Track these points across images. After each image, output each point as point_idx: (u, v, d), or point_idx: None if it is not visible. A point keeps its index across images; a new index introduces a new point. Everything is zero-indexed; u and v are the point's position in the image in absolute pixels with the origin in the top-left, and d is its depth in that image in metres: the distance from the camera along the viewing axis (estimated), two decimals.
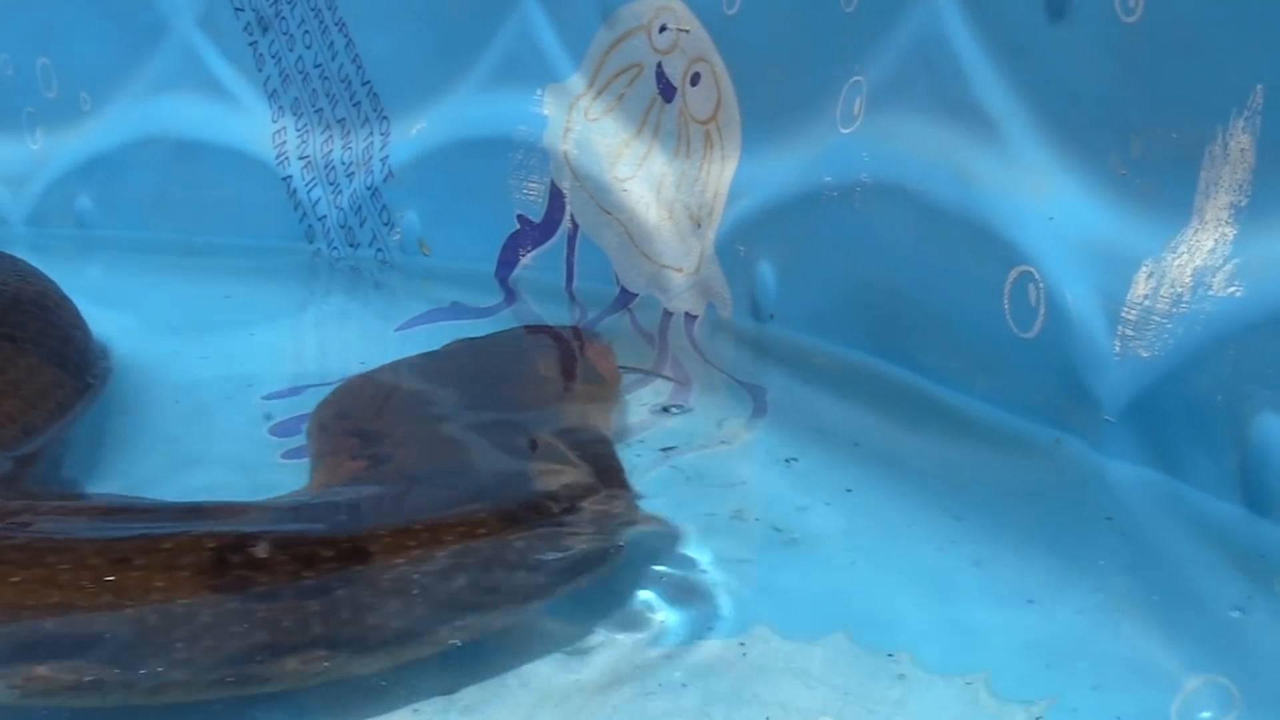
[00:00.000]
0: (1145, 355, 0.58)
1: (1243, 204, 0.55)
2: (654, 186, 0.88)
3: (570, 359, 0.78)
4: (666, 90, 0.87)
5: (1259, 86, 0.54)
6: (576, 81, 0.93)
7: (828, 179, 0.75)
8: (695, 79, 0.85)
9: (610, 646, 0.50)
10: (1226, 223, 0.56)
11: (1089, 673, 0.48)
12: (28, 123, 1.26)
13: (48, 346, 0.74)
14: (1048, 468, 0.62)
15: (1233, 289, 0.55)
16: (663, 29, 0.87)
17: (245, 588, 0.48)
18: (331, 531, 0.51)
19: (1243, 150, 0.55)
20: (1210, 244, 0.56)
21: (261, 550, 0.49)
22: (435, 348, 0.78)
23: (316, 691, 0.49)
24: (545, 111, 0.94)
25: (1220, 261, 0.56)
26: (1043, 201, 0.63)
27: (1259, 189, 0.55)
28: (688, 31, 0.85)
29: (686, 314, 0.85)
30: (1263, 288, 0.54)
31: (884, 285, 0.72)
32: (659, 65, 0.88)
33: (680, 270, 0.86)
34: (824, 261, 0.76)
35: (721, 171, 0.84)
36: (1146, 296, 0.58)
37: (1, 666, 0.48)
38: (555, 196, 0.94)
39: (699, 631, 0.51)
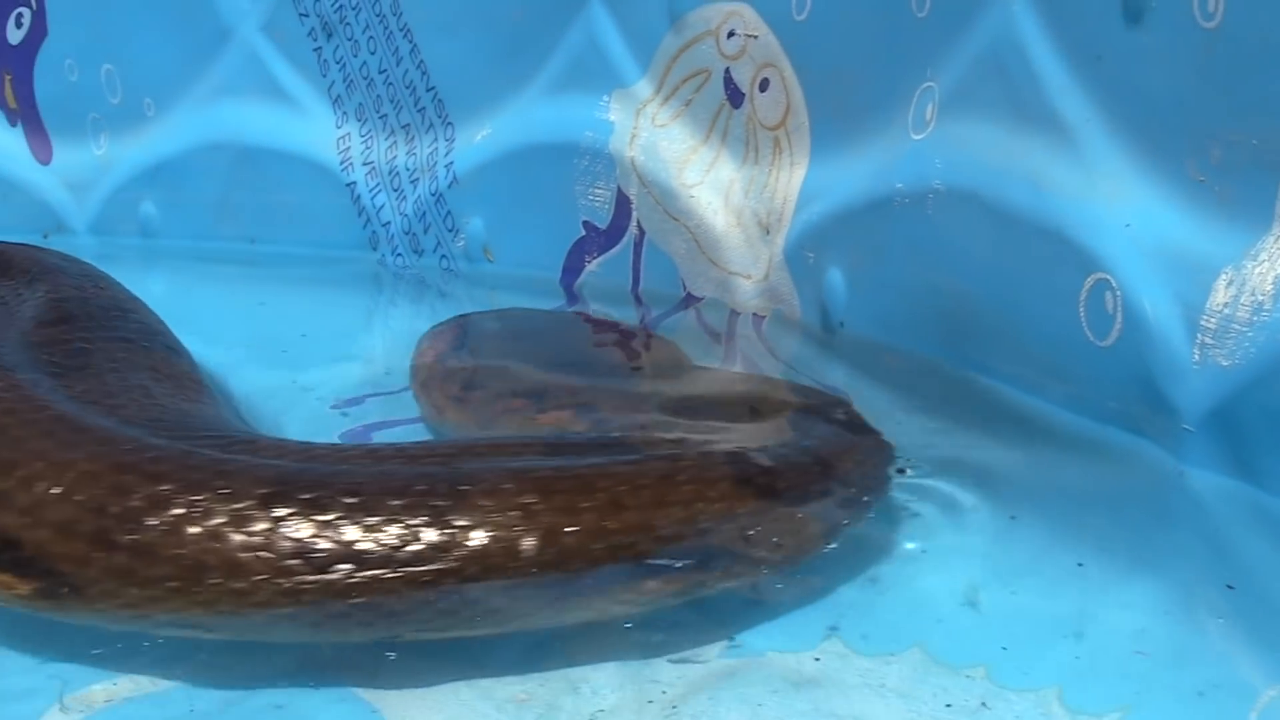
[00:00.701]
0: (1225, 364, 0.57)
1: None
2: (722, 192, 0.88)
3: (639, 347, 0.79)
4: (734, 96, 0.87)
5: None
6: (643, 87, 0.93)
7: (899, 185, 0.75)
8: (764, 85, 0.85)
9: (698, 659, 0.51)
10: None
11: (1174, 682, 0.48)
12: (92, 129, 1.27)
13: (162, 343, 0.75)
14: (1126, 474, 0.62)
15: None
16: (731, 34, 0.87)
17: (771, 496, 0.53)
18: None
19: None
20: None
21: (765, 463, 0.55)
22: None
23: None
24: (611, 117, 0.95)
25: None
26: (1120, 208, 0.63)
27: None
28: (756, 37, 0.85)
29: (754, 316, 0.85)
30: None
31: (957, 291, 0.71)
32: (727, 71, 0.88)
33: (748, 277, 0.86)
34: (895, 267, 0.76)
35: (790, 177, 0.84)
36: (1226, 304, 0.58)
37: (621, 587, 0.51)
38: (621, 203, 0.94)
39: (776, 642, 0.51)
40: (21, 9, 1.28)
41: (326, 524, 0.50)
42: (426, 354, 0.89)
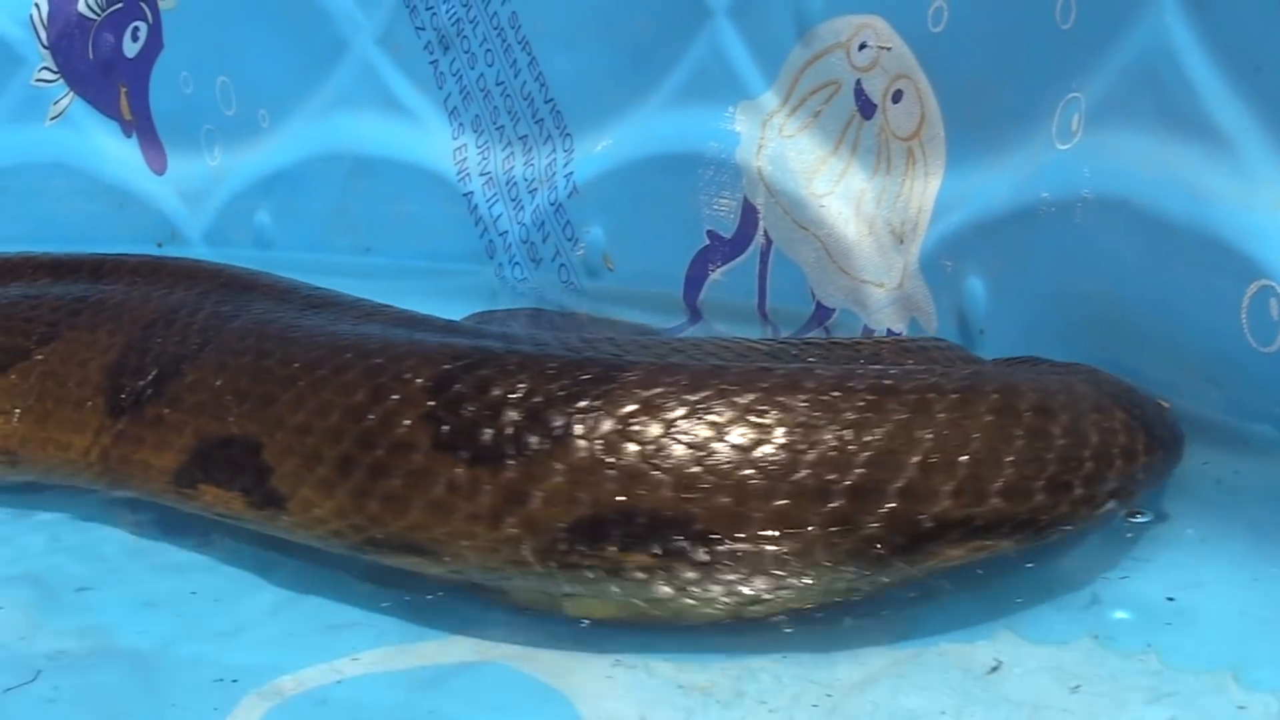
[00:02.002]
0: None
1: None
2: (853, 202, 0.88)
3: None
4: (866, 107, 0.88)
5: None
6: (770, 98, 0.94)
7: (1045, 194, 0.75)
8: (897, 96, 0.85)
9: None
10: None
11: None
12: (206, 140, 1.29)
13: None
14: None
15: None
16: (863, 46, 0.87)
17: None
18: None
19: None
20: None
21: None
22: None
23: None
24: (737, 128, 0.95)
25: None
26: None
27: None
28: (889, 49, 0.85)
29: (889, 330, 0.85)
30: None
31: (1106, 299, 0.71)
32: (858, 83, 0.88)
33: (881, 286, 0.86)
34: (1040, 275, 0.75)
35: (925, 187, 0.84)
36: None
37: None
38: (748, 212, 0.94)
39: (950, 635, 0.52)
40: (138, 23, 1.30)
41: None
42: None
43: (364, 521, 0.54)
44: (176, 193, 1.31)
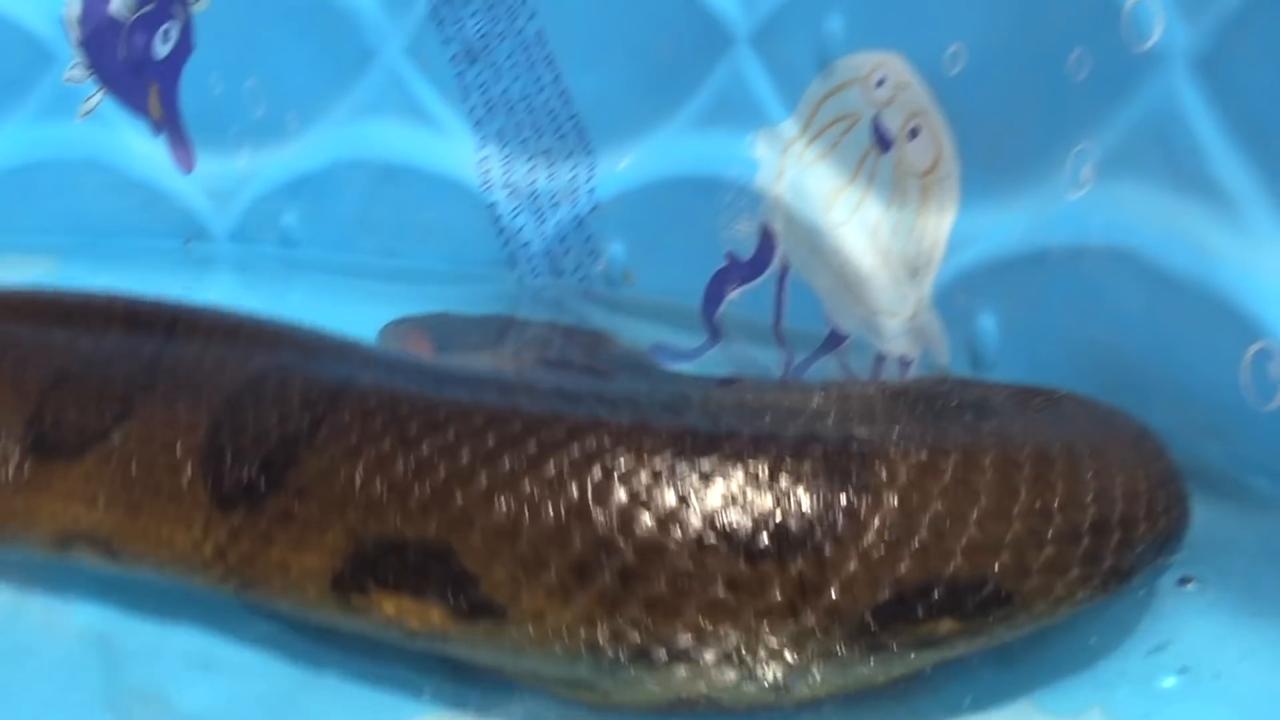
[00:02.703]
0: None
1: None
2: (869, 233, 0.91)
3: None
4: (882, 142, 0.91)
5: None
6: (789, 126, 0.97)
7: (1055, 240, 0.78)
8: (913, 133, 0.89)
9: None
10: None
11: None
12: (234, 141, 1.32)
13: None
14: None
15: None
16: (880, 83, 0.90)
17: None
18: None
19: None
20: None
21: None
22: None
23: None
24: (757, 154, 0.98)
25: None
26: None
27: None
28: (907, 87, 0.89)
29: (901, 359, 0.89)
30: None
31: (1112, 345, 0.75)
32: (875, 117, 0.91)
33: (895, 315, 0.89)
34: (1050, 317, 0.79)
35: (939, 223, 0.87)
36: None
37: None
38: (766, 237, 0.98)
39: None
40: (169, 25, 1.33)
41: None
42: (420, 348, 0.98)
43: (624, 626, 0.50)
44: (204, 191, 1.34)
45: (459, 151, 1.18)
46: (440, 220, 1.19)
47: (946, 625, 0.51)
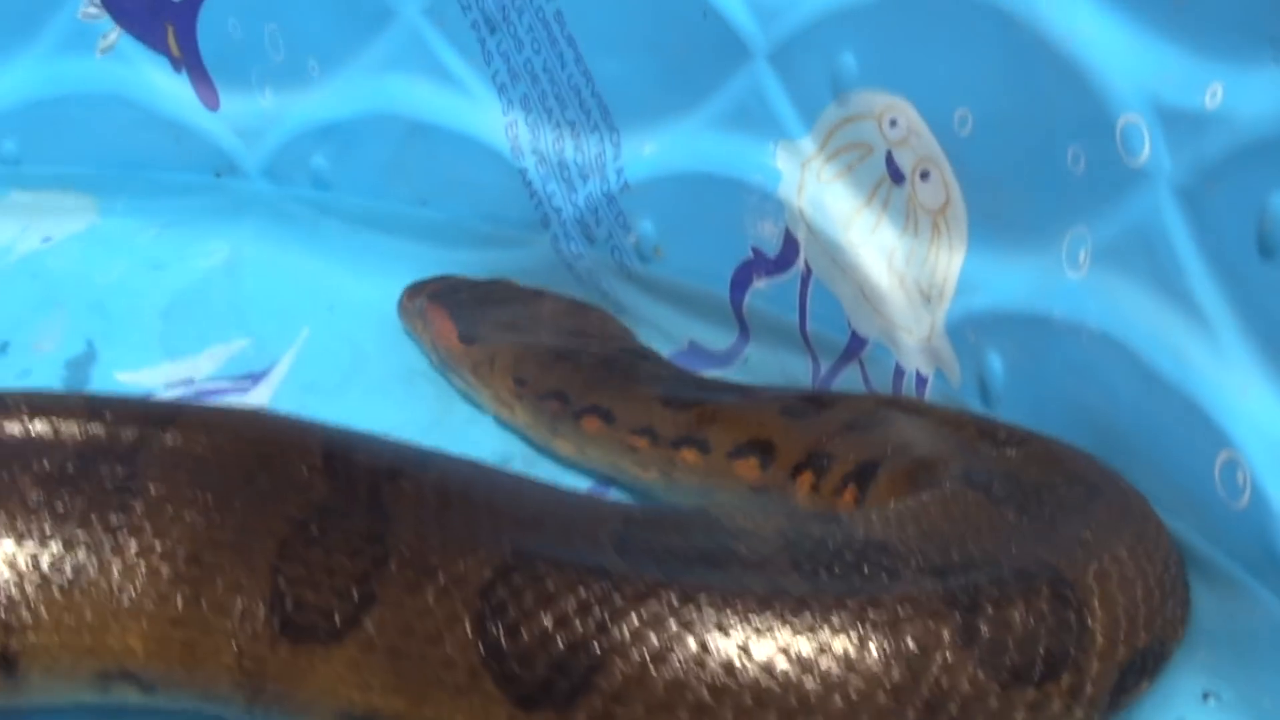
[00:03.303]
0: None
1: None
2: (885, 255, 1.04)
3: None
4: (895, 175, 1.02)
5: None
6: (808, 144, 1.07)
7: (1056, 312, 0.91)
8: (924, 175, 1.00)
9: None
10: None
11: None
12: (257, 82, 1.39)
13: None
14: (1244, 612, 0.81)
15: None
16: (893, 123, 1.01)
17: None
18: None
19: None
20: None
21: None
22: None
23: None
24: (779, 165, 1.09)
25: None
26: (1250, 401, 0.80)
27: None
28: (919, 135, 1.00)
29: (918, 373, 1.03)
30: None
31: (1103, 416, 0.89)
32: (889, 153, 1.02)
33: (911, 333, 1.03)
34: (1051, 376, 0.93)
35: (950, 260, 0.99)
36: None
37: None
38: (790, 240, 1.09)
39: None
40: None
41: None
42: (446, 333, 1.12)
43: None
44: (232, 129, 1.42)
45: (486, 115, 1.26)
46: (472, 178, 1.29)
47: (1144, 685, 0.71)
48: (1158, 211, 0.84)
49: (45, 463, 0.74)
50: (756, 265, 1.12)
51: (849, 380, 1.06)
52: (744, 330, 1.13)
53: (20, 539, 0.72)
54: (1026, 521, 0.75)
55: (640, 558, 0.65)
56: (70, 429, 0.76)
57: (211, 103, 1.41)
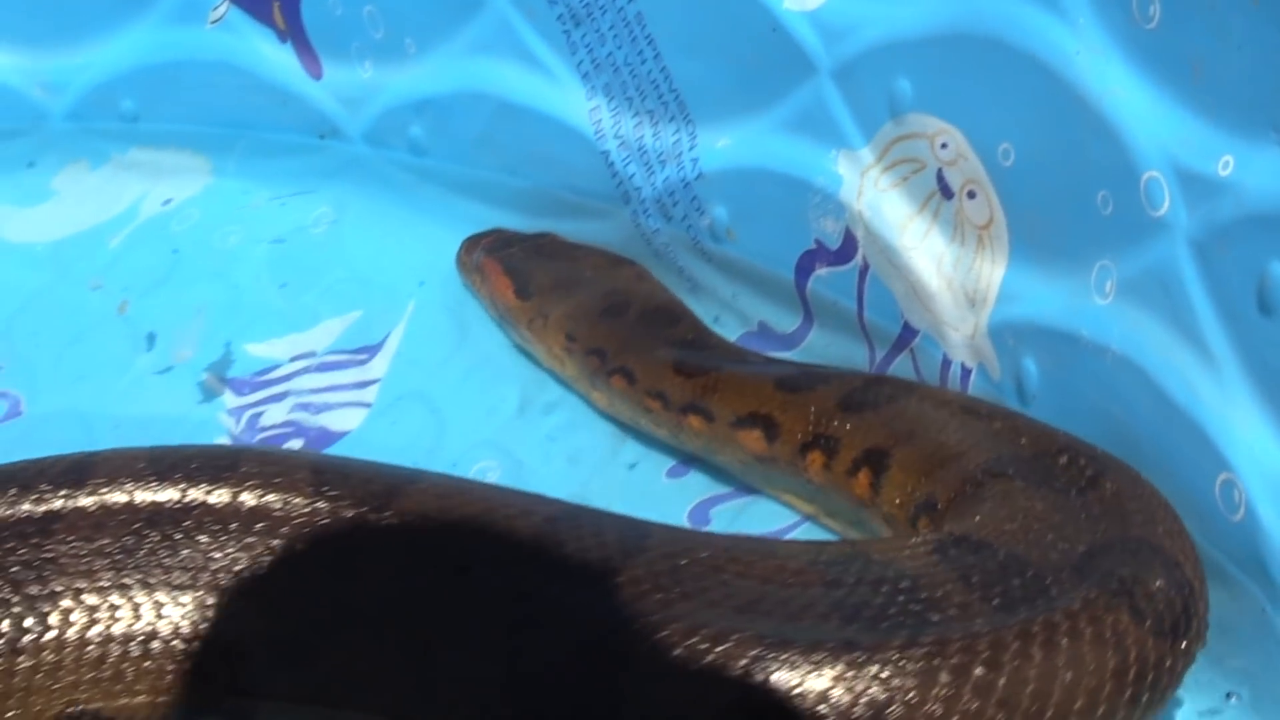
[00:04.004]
0: None
1: None
2: (935, 260, 1.16)
3: None
4: (945, 191, 1.14)
5: None
6: (866, 154, 1.19)
7: (1084, 332, 1.04)
8: (971, 194, 1.12)
9: None
10: None
11: None
12: (357, 55, 1.51)
13: None
14: (1243, 611, 0.96)
15: None
16: (944, 146, 1.13)
17: None
18: None
19: None
20: None
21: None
22: None
23: None
24: (840, 170, 1.21)
25: None
26: (1247, 433, 0.93)
27: None
28: (966, 159, 1.12)
29: (963, 365, 1.16)
30: None
31: (1123, 427, 1.02)
32: (940, 171, 1.14)
33: (957, 330, 1.16)
34: (1079, 386, 1.05)
35: (993, 271, 1.12)
36: None
37: None
38: (849, 239, 1.22)
39: None
40: None
41: None
42: (503, 289, 1.27)
43: None
44: (334, 96, 1.54)
45: (571, 99, 1.38)
46: (557, 154, 1.40)
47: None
48: (1174, 259, 0.97)
49: (274, 540, 0.80)
50: (819, 255, 1.25)
51: (902, 367, 1.19)
52: (808, 314, 1.26)
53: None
54: (1089, 499, 0.91)
55: None
56: (296, 502, 0.82)
57: (315, 72, 1.54)
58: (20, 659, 0.77)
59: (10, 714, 0.76)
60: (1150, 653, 0.76)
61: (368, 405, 1.27)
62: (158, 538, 0.80)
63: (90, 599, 0.78)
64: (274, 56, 1.55)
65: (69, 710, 0.77)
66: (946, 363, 1.17)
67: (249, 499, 0.81)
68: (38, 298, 1.44)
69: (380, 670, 0.76)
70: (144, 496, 0.81)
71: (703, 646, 0.69)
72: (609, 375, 1.16)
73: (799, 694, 0.67)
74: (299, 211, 1.50)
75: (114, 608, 0.79)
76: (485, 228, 1.42)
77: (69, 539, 0.80)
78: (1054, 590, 0.77)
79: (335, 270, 1.44)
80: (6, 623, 0.77)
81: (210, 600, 0.78)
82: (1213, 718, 0.94)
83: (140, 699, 0.78)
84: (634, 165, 1.36)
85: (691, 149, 1.31)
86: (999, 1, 1.05)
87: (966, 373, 1.16)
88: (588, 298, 1.25)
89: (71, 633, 0.78)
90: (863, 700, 0.67)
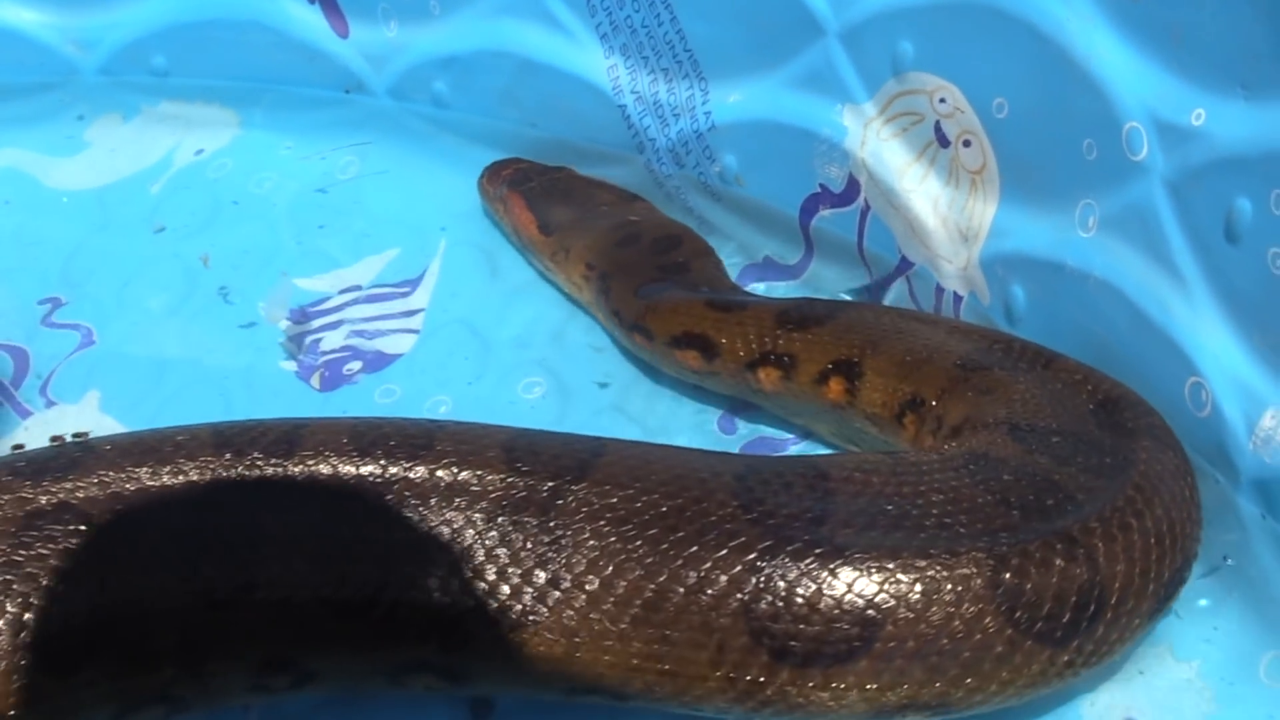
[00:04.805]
0: (1265, 459, 1.09)
1: None
2: (931, 201, 1.33)
3: None
4: (942, 140, 1.31)
5: None
6: (869, 108, 1.35)
7: (1069, 261, 1.21)
8: (966, 143, 1.29)
9: None
10: None
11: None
12: (383, 15, 1.64)
13: None
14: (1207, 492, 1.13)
15: None
16: (942, 100, 1.29)
17: None
18: None
19: None
20: None
21: None
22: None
23: None
24: (845, 122, 1.37)
25: None
26: (1215, 343, 1.10)
27: None
28: (963, 112, 1.28)
29: (955, 293, 1.33)
30: None
31: (1104, 343, 1.18)
32: (937, 123, 1.30)
33: (951, 262, 1.32)
34: (1063, 309, 1.22)
35: (985, 210, 1.28)
36: (1270, 429, 1.08)
37: None
38: (853, 183, 1.38)
39: None
40: None
41: None
42: (526, 223, 1.44)
43: None
44: (360, 54, 1.66)
45: (590, 58, 1.51)
46: (577, 108, 1.54)
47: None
48: (1151, 198, 1.13)
49: (473, 514, 0.85)
50: (823, 198, 1.41)
51: (897, 292, 1.35)
52: (809, 248, 1.42)
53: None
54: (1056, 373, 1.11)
55: None
56: (492, 478, 0.87)
57: (341, 30, 1.66)
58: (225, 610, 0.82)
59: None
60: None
61: (416, 331, 1.41)
62: (360, 510, 0.85)
63: (299, 565, 0.84)
64: (302, 16, 1.67)
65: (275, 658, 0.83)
66: (940, 290, 1.33)
67: (445, 475, 0.87)
68: (90, 240, 1.54)
69: (594, 637, 0.82)
70: (348, 469, 0.87)
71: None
72: (603, 295, 1.29)
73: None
74: (328, 160, 1.62)
75: (315, 574, 0.84)
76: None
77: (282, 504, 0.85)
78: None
79: (368, 213, 1.56)
80: (220, 579, 0.83)
81: (415, 569, 0.84)
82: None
83: (343, 653, 0.85)
84: (649, 118, 1.51)
85: (705, 103, 1.46)
86: None
87: (958, 299, 1.32)
88: (604, 230, 1.40)
89: (278, 593, 0.83)
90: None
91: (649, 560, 0.82)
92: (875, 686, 0.80)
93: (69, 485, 0.83)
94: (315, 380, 1.35)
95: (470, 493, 0.85)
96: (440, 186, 1.58)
